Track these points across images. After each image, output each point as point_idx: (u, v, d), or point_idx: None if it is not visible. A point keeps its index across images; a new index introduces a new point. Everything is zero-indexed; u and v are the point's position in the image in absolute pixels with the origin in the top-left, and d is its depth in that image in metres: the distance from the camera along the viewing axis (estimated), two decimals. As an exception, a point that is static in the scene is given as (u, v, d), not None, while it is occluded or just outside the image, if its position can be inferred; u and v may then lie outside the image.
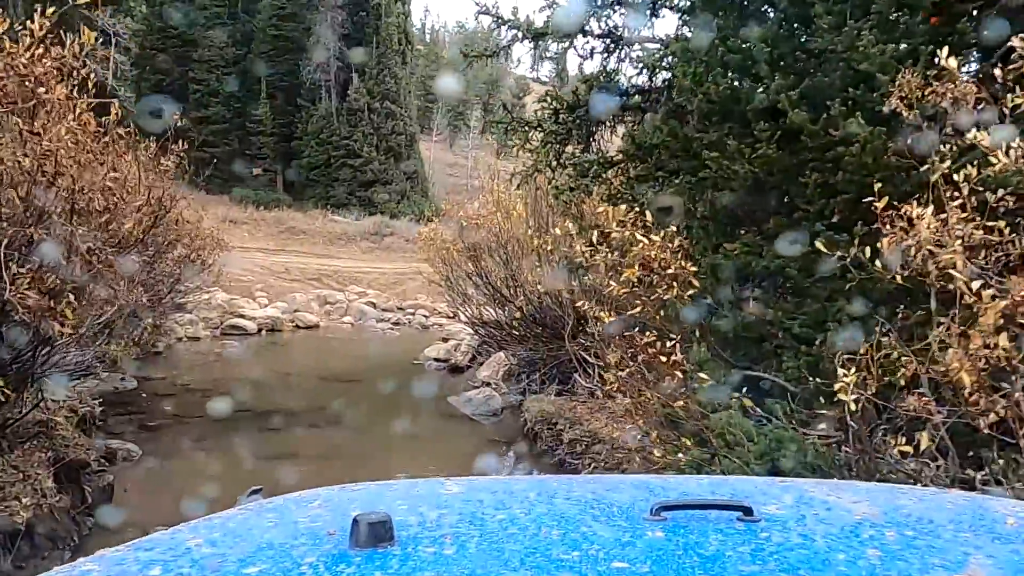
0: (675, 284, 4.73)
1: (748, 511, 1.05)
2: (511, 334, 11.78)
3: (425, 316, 21.76)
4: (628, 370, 5.25)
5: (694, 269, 4.80)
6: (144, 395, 9.61)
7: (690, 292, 4.77)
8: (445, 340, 17.36)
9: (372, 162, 42.54)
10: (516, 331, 11.51)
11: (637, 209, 5.72)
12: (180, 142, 8.22)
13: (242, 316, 17.62)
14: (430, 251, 13.69)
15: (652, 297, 4.97)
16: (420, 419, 9.84)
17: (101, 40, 44.73)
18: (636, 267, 4.96)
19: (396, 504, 1.11)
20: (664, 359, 4.60)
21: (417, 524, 1.01)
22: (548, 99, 9.28)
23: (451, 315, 22.42)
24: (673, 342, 4.62)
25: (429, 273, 14.43)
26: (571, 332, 9.93)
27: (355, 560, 0.88)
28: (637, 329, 5.02)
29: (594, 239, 5.74)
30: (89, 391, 9.26)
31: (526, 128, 9.28)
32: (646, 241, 4.79)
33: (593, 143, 9.21)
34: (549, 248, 9.45)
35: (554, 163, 9.32)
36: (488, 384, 11.43)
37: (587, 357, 9.68)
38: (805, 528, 1.04)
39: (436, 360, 14.09)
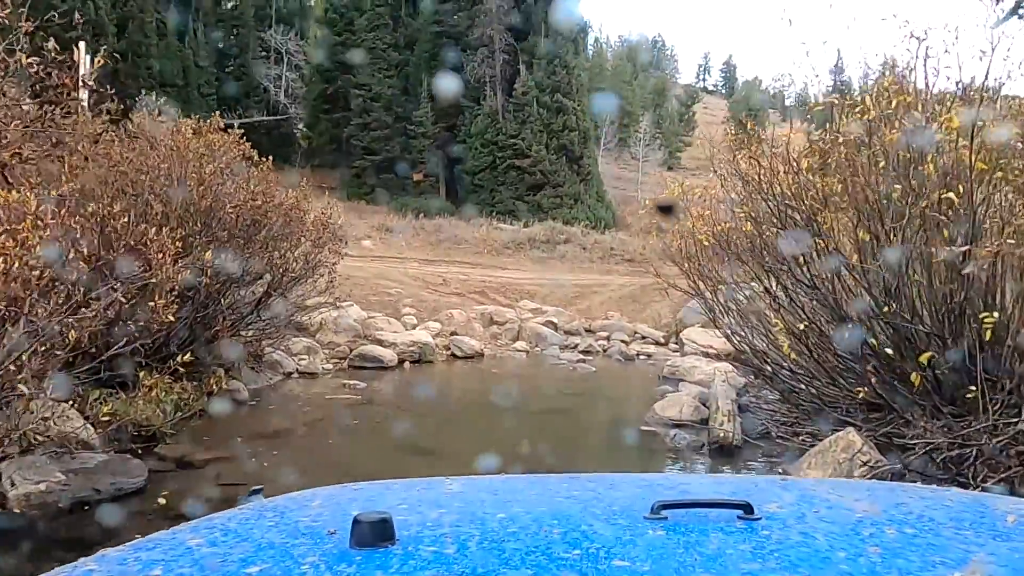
0: None
1: (749, 509, 1.01)
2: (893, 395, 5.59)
3: (624, 342, 15.82)
4: None
5: None
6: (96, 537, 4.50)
7: None
8: (669, 377, 11.34)
9: (542, 162, 37.56)
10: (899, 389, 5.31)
11: None
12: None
13: (379, 342, 12.62)
14: (675, 238, 7.76)
15: None
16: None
17: (274, 59, 44.06)
18: None
19: (396, 503, 1.09)
20: None
21: (418, 523, 0.98)
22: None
23: (662, 341, 16.33)
24: None
25: (671, 275, 8.44)
26: None
27: (356, 559, 0.86)
28: None
29: None
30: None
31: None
32: None
33: None
34: None
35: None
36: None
37: None
38: (806, 526, 1.01)
39: (677, 425, 8.10)
